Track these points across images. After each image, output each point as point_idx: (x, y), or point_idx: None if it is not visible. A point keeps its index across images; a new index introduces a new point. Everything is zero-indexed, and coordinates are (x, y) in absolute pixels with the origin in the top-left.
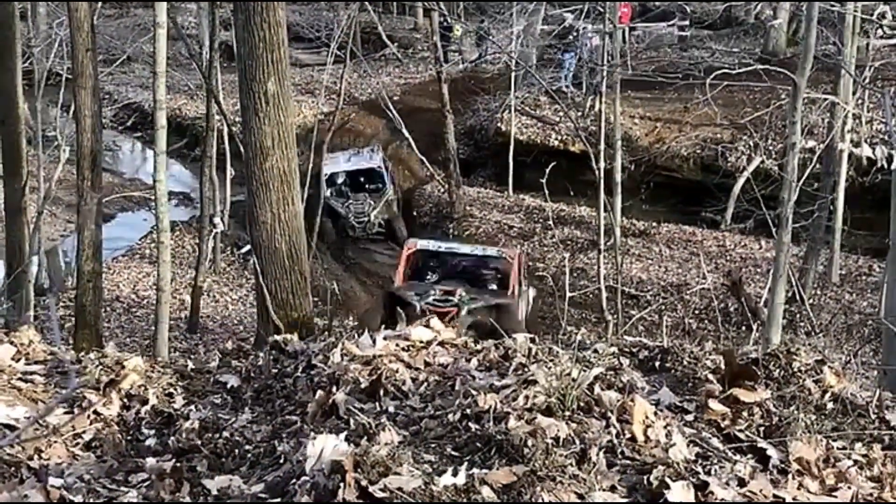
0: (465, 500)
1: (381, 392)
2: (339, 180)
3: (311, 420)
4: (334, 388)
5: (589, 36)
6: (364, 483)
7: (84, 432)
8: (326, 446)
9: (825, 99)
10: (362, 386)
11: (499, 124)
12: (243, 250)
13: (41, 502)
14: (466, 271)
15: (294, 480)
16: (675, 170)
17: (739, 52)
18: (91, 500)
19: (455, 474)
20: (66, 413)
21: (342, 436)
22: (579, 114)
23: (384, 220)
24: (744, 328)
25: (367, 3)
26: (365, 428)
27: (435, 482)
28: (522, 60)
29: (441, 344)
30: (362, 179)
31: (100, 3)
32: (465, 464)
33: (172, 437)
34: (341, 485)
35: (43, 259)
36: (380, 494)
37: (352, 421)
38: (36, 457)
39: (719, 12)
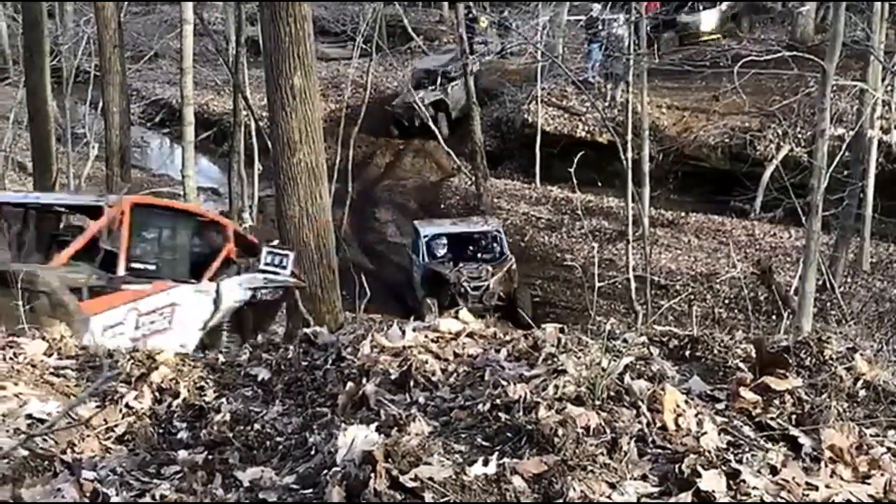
0: (495, 490)
1: (411, 383)
2: (442, 242)
3: (342, 412)
4: (364, 380)
5: (619, 24)
6: (395, 473)
7: (116, 426)
8: (357, 437)
9: (854, 86)
10: (392, 377)
11: (525, 116)
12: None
13: (75, 498)
14: (472, 246)
15: (325, 471)
16: (703, 159)
17: (767, 41)
18: (124, 493)
19: (486, 464)
20: (97, 407)
21: (373, 426)
22: (606, 104)
23: (504, 292)
24: (774, 317)
25: None
26: (395, 419)
27: (466, 472)
28: (548, 51)
29: (470, 335)
30: (473, 246)
31: (126, 1)
32: (496, 454)
33: (204, 430)
34: (372, 475)
35: None
36: (411, 484)
37: (382, 412)
38: (69, 450)
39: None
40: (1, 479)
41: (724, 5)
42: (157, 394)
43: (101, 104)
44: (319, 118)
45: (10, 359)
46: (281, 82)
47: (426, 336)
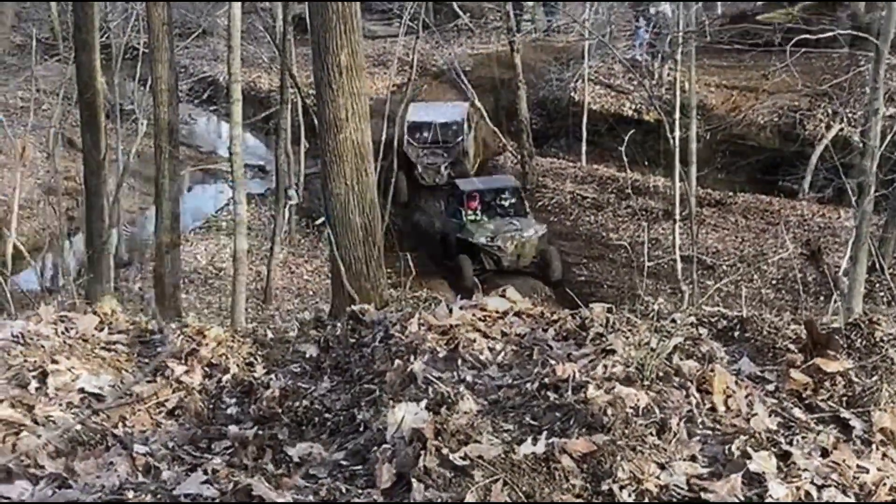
0: (544, 469)
1: (459, 361)
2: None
3: (390, 389)
4: (412, 358)
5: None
6: (445, 451)
7: (167, 401)
8: (407, 414)
9: None
10: (440, 355)
11: (572, 94)
12: (318, 222)
13: (127, 472)
14: (499, 200)
15: (375, 448)
16: (751, 138)
17: (821, 20)
18: (175, 467)
19: (535, 443)
20: (149, 382)
21: (422, 404)
22: (654, 82)
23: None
24: (822, 299)
25: None
26: (444, 397)
27: (515, 451)
28: (595, 30)
29: (517, 314)
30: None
31: None
32: (545, 433)
33: (253, 406)
34: (422, 452)
35: (123, 231)
36: (460, 463)
37: (430, 390)
38: (121, 425)
39: None
40: (55, 453)
41: None
42: (207, 369)
43: (149, 81)
44: (366, 95)
45: (62, 333)
46: (328, 60)
47: (473, 315)
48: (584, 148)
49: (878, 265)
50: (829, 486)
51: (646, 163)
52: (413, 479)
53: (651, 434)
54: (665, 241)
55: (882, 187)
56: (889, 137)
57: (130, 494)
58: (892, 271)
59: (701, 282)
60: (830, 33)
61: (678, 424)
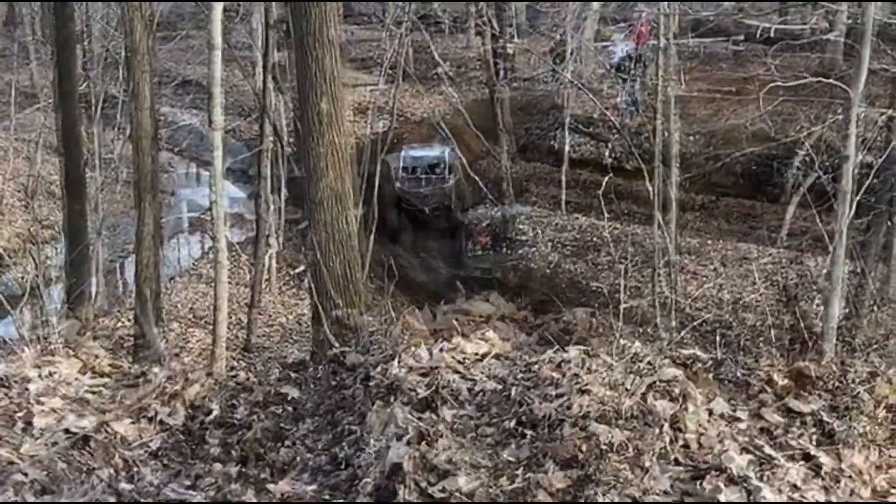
0: (521, 503)
1: (439, 402)
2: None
3: (371, 429)
4: (392, 399)
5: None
6: (423, 485)
7: (151, 441)
8: (387, 451)
9: (882, 114)
10: (420, 396)
11: (552, 142)
12: (298, 270)
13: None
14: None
15: (356, 482)
16: (729, 186)
17: (795, 69)
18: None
19: (512, 478)
20: (132, 423)
21: (403, 440)
22: (633, 130)
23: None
24: (798, 344)
25: (419, 22)
26: (423, 435)
27: (492, 485)
28: (575, 78)
29: (496, 357)
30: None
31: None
32: (521, 468)
33: (237, 446)
34: (401, 486)
35: (102, 280)
36: (439, 496)
37: (410, 429)
38: (105, 465)
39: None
40: (41, 491)
41: None
42: (190, 411)
43: (129, 129)
44: (346, 144)
45: (46, 377)
46: (308, 108)
47: (453, 357)
48: (563, 196)
49: (853, 312)
50: None
51: (625, 211)
52: None
53: (625, 469)
54: (645, 288)
55: (858, 234)
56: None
57: None
58: (867, 319)
59: (680, 328)
60: (803, 80)
61: (651, 460)
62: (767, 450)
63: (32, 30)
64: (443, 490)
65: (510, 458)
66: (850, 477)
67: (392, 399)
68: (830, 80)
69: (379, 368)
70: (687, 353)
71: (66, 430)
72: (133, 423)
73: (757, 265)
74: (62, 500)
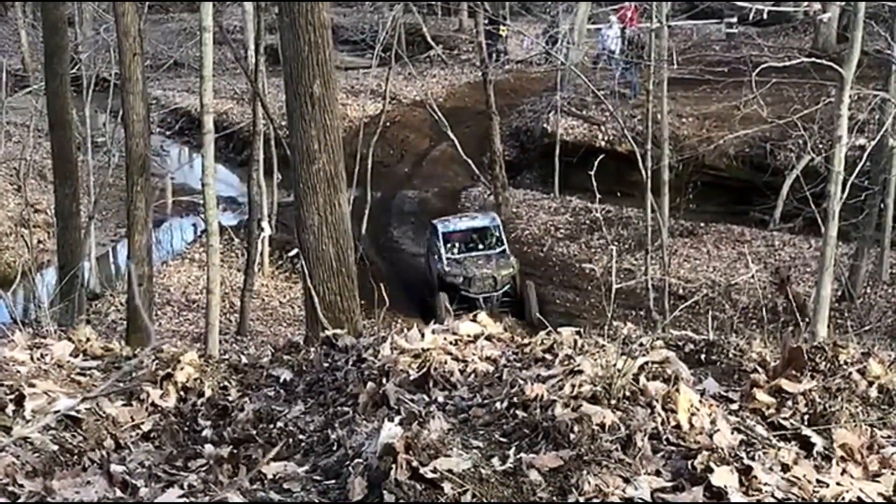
0: (512, 483)
1: (431, 383)
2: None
3: (363, 410)
4: (384, 380)
5: (611, 38)
6: (415, 464)
7: (142, 423)
8: (379, 431)
9: (875, 96)
10: (412, 377)
11: (545, 125)
12: (291, 254)
13: (105, 489)
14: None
15: (348, 463)
16: (722, 169)
17: (788, 49)
18: (152, 484)
19: (503, 458)
20: (124, 405)
21: (395, 420)
22: (626, 113)
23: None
24: (791, 326)
25: (411, 4)
26: (415, 416)
27: (484, 465)
28: (568, 61)
29: (488, 338)
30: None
31: (146, 9)
32: (513, 448)
33: (228, 428)
34: (393, 466)
35: (94, 264)
36: (430, 476)
37: (402, 410)
38: (97, 447)
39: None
40: (33, 472)
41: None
42: (182, 393)
43: (120, 113)
44: (339, 127)
45: (38, 359)
46: (300, 91)
47: (445, 339)
48: (557, 179)
49: (847, 294)
50: (790, 499)
51: (618, 194)
52: (385, 492)
53: (616, 450)
54: (638, 270)
55: (851, 216)
56: (858, 167)
57: None
58: (861, 300)
59: (673, 311)
60: (796, 62)
61: (643, 441)
62: (759, 430)
63: (24, 12)
64: (434, 470)
65: (502, 439)
66: (841, 457)
67: (384, 380)
68: (823, 61)
69: (371, 350)
70: (679, 334)
71: (58, 412)
72: (125, 405)
73: (750, 247)
74: (53, 482)
